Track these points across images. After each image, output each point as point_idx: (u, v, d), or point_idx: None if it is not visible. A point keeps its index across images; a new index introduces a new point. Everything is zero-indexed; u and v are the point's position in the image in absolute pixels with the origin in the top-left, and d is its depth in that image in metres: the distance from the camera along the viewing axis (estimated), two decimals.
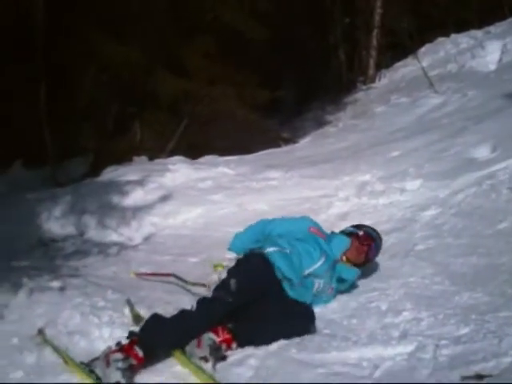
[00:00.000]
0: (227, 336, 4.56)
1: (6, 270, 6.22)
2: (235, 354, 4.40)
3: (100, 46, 12.83)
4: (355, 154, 10.78)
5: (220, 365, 4.31)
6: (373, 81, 19.40)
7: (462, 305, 4.65)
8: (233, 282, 4.74)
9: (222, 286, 4.80)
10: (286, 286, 5.02)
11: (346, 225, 7.27)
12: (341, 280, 5.34)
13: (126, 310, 5.15)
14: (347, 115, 16.66)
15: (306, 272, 5.09)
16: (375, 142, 11.43)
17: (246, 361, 4.27)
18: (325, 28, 21.53)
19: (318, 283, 5.14)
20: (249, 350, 4.43)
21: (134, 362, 4.23)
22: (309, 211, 8.02)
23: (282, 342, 4.47)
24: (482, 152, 8.59)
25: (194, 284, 5.84)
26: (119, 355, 4.21)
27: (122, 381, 4.09)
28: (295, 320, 4.71)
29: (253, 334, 4.60)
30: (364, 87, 19.20)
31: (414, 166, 8.77)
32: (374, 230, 5.79)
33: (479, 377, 3.50)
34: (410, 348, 4.08)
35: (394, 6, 19.99)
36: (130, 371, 4.19)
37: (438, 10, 20.98)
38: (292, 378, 3.99)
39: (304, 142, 14.64)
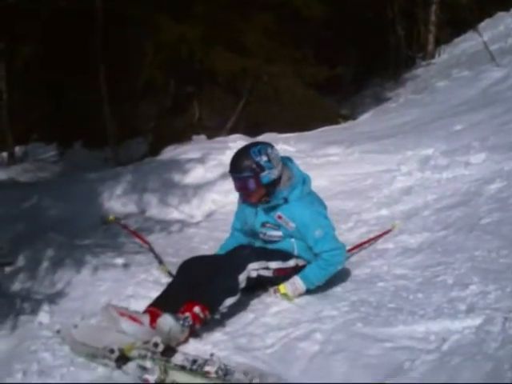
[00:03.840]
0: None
1: (69, 248, 6.27)
2: (300, 329, 4.35)
3: (157, 24, 12.85)
4: (417, 128, 10.63)
5: (285, 340, 4.27)
6: (432, 56, 19.14)
7: None
8: None
9: None
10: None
11: (409, 199, 7.25)
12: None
13: None
14: (407, 91, 16.46)
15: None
16: (437, 116, 11.25)
17: (311, 335, 4.23)
18: (383, 3, 21.17)
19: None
20: (314, 324, 4.38)
21: None
22: (371, 186, 7.99)
23: (347, 317, 4.42)
24: None
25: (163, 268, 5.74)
26: None
27: None
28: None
29: None
30: (423, 63, 18.97)
31: (478, 139, 8.61)
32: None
33: None
34: (477, 321, 4.01)
35: None
36: None
37: None
38: (359, 352, 3.95)
39: (364, 117, 14.50)
